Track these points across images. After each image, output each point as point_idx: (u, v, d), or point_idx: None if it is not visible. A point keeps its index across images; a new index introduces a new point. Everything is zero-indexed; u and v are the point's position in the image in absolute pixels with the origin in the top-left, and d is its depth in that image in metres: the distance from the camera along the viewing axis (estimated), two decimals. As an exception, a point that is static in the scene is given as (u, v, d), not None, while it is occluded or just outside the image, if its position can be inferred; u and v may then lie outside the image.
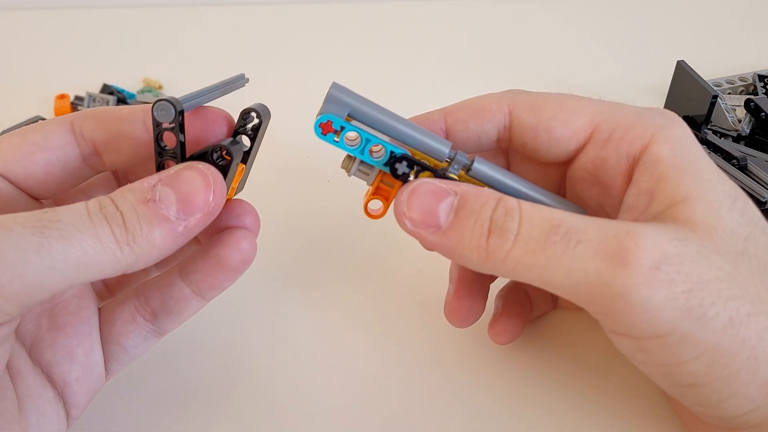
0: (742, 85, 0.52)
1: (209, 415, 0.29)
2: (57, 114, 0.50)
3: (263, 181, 0.44)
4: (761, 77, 0.52)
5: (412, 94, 0.54)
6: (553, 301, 0.33)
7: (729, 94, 0.51)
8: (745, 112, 0.46)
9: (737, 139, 0.46)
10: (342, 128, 0.24)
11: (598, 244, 0.21)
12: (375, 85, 0.55)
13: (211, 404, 0.30)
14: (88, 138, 0.26)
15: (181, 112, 0.24)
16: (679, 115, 0.44)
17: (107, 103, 0.50)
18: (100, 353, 0.26)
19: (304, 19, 0.66)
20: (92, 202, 0.22)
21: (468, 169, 0.25)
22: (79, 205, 0.21)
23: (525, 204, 0.23)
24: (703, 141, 0.45)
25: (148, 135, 0.25)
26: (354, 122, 0.25)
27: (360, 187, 0.28)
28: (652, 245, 0.21)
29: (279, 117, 0.51)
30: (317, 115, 0.24)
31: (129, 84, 0.54)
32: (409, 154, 0.25)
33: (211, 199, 0.23)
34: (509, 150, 0.30)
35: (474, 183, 0.26)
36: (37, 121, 0.48)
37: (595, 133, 0.26)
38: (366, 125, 0.25)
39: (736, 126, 0.46)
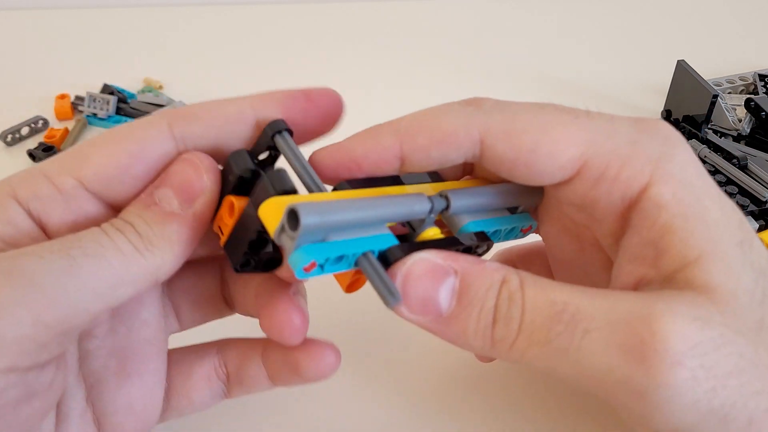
0: (743, 85, 0.52)
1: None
2: (57, 114, 0.50)
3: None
4: (761, 76, 0.52)
5: (410, 93, 0.54)
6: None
7: (729, 93, 0.51)
8: (745, 111, 0.46)
9: (737, 138, 0.46)
10: (327, 260, 0.20)
11: (609, 334, 0.19)
12: (374, 84, 0.55)
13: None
14: (191, 145, 0.22)
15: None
16: (679, 114, 0.43)
17: (107, 103, 0.49)
18: (159, 404, 0.25)
19: (305, 19, 0.66)
20: (104, 224, 0.22)
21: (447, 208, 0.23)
22: (94, 227, 0.21)
23: (528, 281, 0.21)
24: (704, 140, 0.45)
25: (259, 131, 0.23)
26: (330, 239, 0.20)
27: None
28: (673, 334, 0.19)
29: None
30: (289, 253, 0.20)
31: (129, 84, 0.54)
32: (395, 242, 0.22)
33: (205, 179, 0.22)
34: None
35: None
36: (38, 122, 0.48)
37: (585, 170, 0.22)
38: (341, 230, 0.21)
39: (737, 125, 0.46)
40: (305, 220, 0.19)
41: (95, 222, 0.22)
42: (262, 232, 0.21)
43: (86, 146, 0.22)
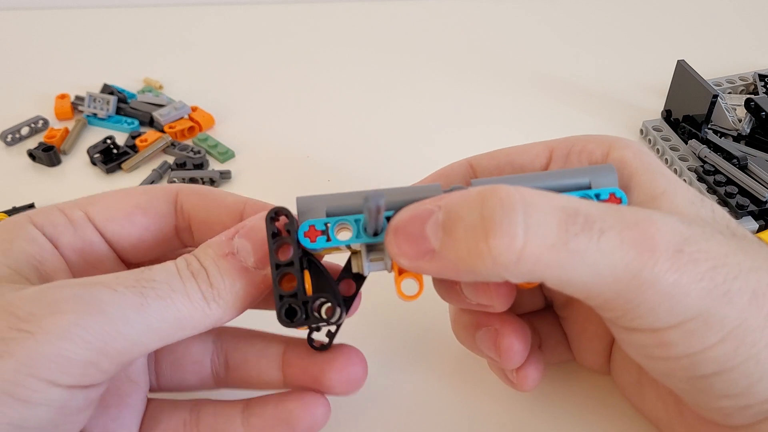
0: (743, 85, 0.52)
1: None
2: (57, 114, 0.50)
3: (263, 181, 0.44)
4: (761, 76, 0.52)
5: (410, 93, 0.54)
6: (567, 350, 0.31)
7: (729, 93, 0.51)
8: (745, 111, 0.46)
9: (737, 138, 0.46)
10: (327, 226, 0.23)
11: (622, 232, 0.20)
12: (373, 84, 0.55)
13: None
14: (186, 213, 0.26)
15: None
16: (679, 114, 0.44)
17: (107, 103, 0.49)
18: None
19: (305, 19, 0.66)
20: (180, 261, 0.23)
21: None
22: (170, 264, 0.23)
23: (525, 189, 0.20)
24: (704, 140, 0.45)
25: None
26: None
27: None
28: (670, 228, 0.21)
29: (280, 116, 0.51)
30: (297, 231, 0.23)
31: (129, 84, 0.54)
32: None
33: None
34: None
35: None
36: (38, 122, 0.48)
37: (554, 153, 0.27)
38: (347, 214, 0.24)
39: (737, 125, 0.46)
40: (299, 204, 0.23)
41: (99, 251, 0.25)
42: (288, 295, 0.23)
43: (101, 193, 0.26)
